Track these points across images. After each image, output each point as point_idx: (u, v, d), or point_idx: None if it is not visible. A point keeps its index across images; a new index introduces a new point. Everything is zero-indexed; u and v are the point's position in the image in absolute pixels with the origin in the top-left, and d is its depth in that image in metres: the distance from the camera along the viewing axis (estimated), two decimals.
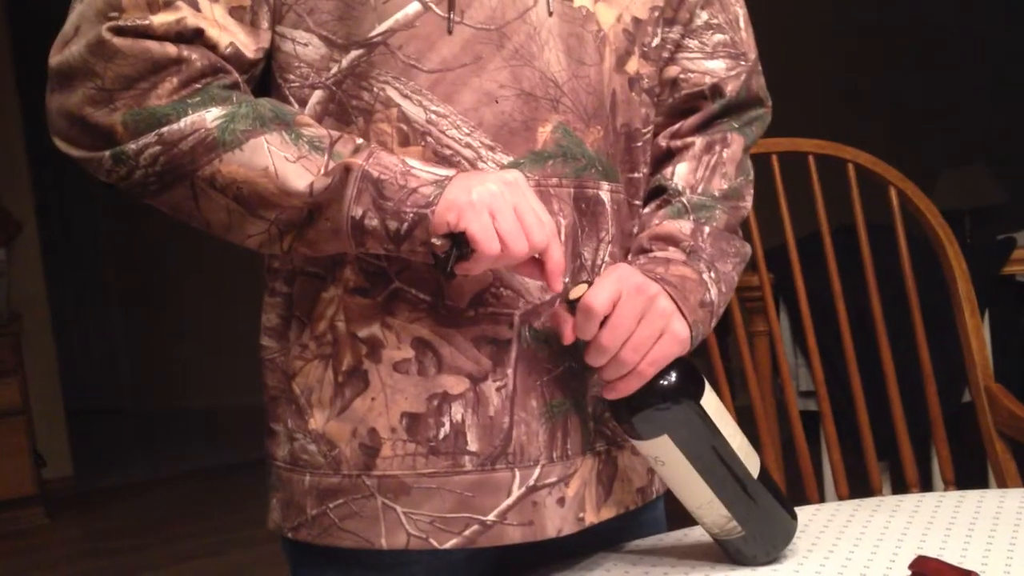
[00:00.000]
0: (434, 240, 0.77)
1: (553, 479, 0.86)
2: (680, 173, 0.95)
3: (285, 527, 0.88)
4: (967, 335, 1.43)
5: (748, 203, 0.98)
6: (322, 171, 0.77)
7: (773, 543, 0.89)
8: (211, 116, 0.77)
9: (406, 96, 0.82)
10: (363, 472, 0.84)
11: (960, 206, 4.94)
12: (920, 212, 1.43)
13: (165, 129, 0.77)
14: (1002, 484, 1.38)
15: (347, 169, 0.77)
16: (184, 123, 0.77)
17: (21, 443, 3.95)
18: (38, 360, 4.34)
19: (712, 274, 0.90)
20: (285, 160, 0.77)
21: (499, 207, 0.76)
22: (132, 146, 0.77)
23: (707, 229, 0.92)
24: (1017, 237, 2.43)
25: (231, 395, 5.90)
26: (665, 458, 0.84)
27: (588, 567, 0.93)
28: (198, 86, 0.78)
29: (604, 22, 0.87)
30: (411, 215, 0.77)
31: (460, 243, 0.76)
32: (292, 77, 0.84)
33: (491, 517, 0.84)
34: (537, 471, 0.85)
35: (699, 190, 0.94)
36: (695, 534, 0.99)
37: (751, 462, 0.87)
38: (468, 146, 0.82)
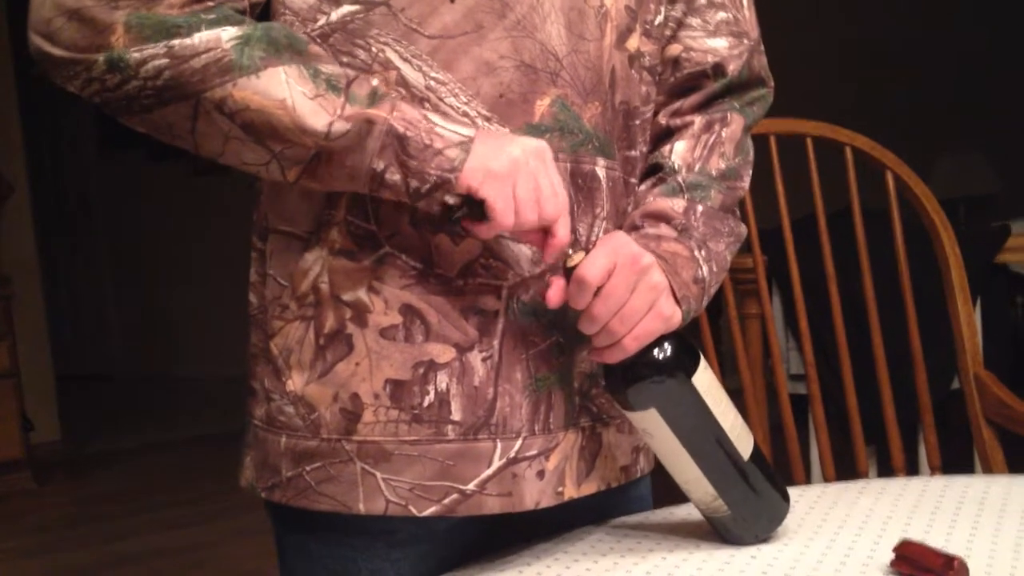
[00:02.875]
0: (447, 198, 0.77)
1: (533, 452, 0.86)
2: (678, 151, 0.94)
3: (259, 487, 0.88)
4: (959, 322, 1.43)
5: (746, 184, 0.98)
6: (339, 113, 0.76)
7: (761, 524, 0.89)
8: (227, 36, 0.74)
9: (406, 60, 0.81)
10: (343, 437, 0.83)
11: (955, 195, 4.94)
12: (916, 198, 1.43)
13: (176, 42, 0.73)
14: (988, 471, 1.38)
15: (370, 121, 0.76)
16: (197, 39, 0.73)
17: (9, 407, 3.94)
18: (28, 324, 4.33)
19: (703, 252, 0.90)
20: (303, 96, 0.75)
21: (520, 174, 0.77)
22: (135, 55, 0.73)
23: (700, 208, 0.92)
24: (1012, 225, 2.43)
25: (222, 363, 5.89)
26: (653, 431, 0.84)
27: (573, 542, 0.93)
28: (211, 3, 0.75)
29: None
30: (435, 177, 0.76)
31: (475, 208, 0.77)
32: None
33: (471, 487, 0.84)
34: (518, 443, 0.85)
35: (696, 169, 0.94)
36: (681, 512, 1.00)
37: (743, 443, 0.87)
38: (465, 115, 0.82)
